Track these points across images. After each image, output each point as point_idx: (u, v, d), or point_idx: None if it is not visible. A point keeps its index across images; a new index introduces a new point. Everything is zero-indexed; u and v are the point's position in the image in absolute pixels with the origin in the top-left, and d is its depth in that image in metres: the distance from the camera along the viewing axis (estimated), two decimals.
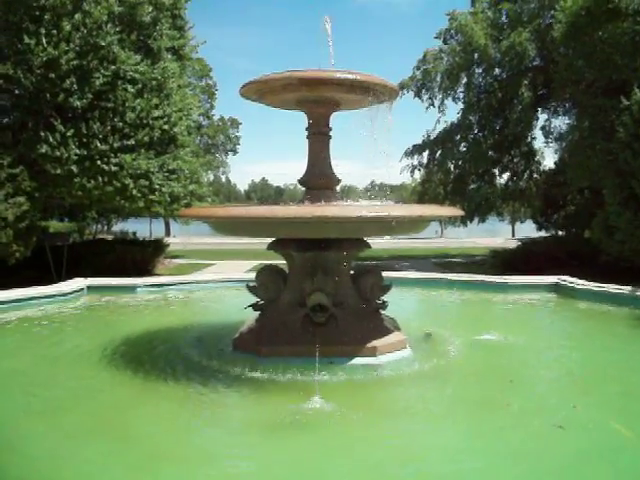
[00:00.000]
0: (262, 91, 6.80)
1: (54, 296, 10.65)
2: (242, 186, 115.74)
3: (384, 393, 5.68)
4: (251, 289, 7.05)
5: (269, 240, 6.85)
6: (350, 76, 6.33)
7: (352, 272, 7.11)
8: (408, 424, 4.78)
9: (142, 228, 43.20)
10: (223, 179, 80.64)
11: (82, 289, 11.47)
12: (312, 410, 4.91)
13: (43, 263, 16.51)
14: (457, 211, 6.78)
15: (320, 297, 6.30)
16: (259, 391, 5.46)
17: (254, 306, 7.04)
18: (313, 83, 6.43)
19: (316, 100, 6.74)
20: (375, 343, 6.40)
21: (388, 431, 4.66)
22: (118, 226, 39.49)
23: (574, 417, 4.87)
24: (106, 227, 33.38)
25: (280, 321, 6.56)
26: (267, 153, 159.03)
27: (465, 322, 8.85)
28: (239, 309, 7.19)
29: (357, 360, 6.23)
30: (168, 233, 46.94)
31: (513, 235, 45.87)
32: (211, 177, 54.25)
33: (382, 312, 7.06)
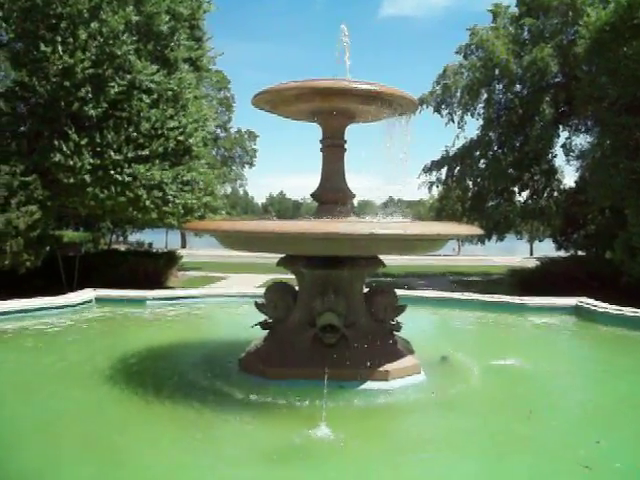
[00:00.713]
0: (274, 101, 6.56)
1: (61, 307, 10.42)
2: (259, 199, 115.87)
3: (395, 422, 5.35)
4: (259, 307, 6.77)
5: (280, 255, 6.59)
6: (365, 86, 6.06)
7: (365, 291, 6.81)
8: (420, 458, 4.45)
9: (158, 239, 43.22)
10: (241, 192, 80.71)
11: (90, 300, 11.25)
12: (318, 440, 4.61)
13: (55, 273, 16.39)
14: (475, 229, 6.48)
15: (331, 317, 6.01)
16: (263, 417, 5.16)
17: (262, 324, 6.76)
18: (327, 93, 6.17)
19: (330, 111, 6.46)
20: (387, 367, 6.08)
21: (398, 465, 4.34)
22: (134, 236, 39.52)
23: (599, 455, 4.53)
24: (121, 237, 33.33)
25: (288, 341, 6.27)
26: (285, 166, 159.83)
27: (482, 345, 8.51)
28: (248, 326, 6.89)
29: (368, 385, 5.92)
30: (184, 245, 46.89)
31: (531, 254, 45.32)
32: (228, 190, 54.29)
33: (396, 334, 6.75)
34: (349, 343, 6.09)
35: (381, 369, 6.04)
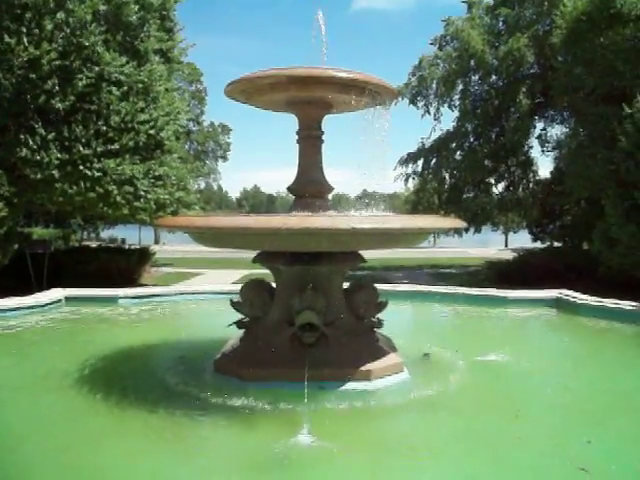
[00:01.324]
0: (248, 91, 6.26)
1: (29, 307, 10.04)
2: (234, 194, 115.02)
3: (379, 424, 5.09)
4: (235, 305, 6.48)
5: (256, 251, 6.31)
6: (343, 74, 5.79)
7: (344, 287, 6.56)
8: (406, 464, 4.21)
9: (132, 235, 42.65)
10: (215, 187, 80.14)
11: (59, 300, 10.86)
12: (299, 446, 4.36)
13: (24, 272, 15.92)
14: (459, 222, 6.25)
15: (309, 315, 5.75)
16: (240, 422, 4.88)
17: (238, 323, 6.48)
18: (303, 81, 5.88)
19: (307, 101, 6.18)
20: (369, 366, 5.84)
21: (383, 472, 4.10)
22: (107, 232, 38.91)
23: (592, 455, 4.33)
24: (93, 234, 32.74)
25: (266, 341, 5.99)
26: (259, 160, 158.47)
27: (465, 340, 8.29)
28: (224, 325, 6.60)
29: (350, 385, 5.67)
30: (157, 240, 46.31)
31: (506, 245, 45.51)
32: (202, 184, 53.74)
33: (377, 331, 6.51)
34: (329, 342, 5.85)
35: (363, 368, 5.80)
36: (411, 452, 4.38)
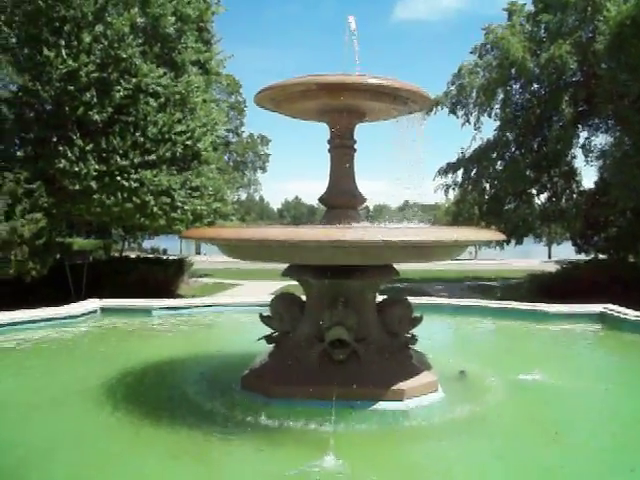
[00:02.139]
0: (278, 99, 6.09)
1: (64, 318, 10.05)
2: (275, 205, 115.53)
3: (410, 448, 4.85)
4: (264, 319, 6.31)
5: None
6: (376, 81, 5.59)
7: (377, 302, 6.33)
8: None
9: (174, 245, 43.02)
10: (256, 198, 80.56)
11: (95, 311, 10.86)
12: (324, 471, 4.14)
13: (63, 282, 16.07)
14: (498, 235, 5.98)
15: (340, 331, 5.54)
16: (265, 443, 4.69)
17: (267, 338, 6.30)
18: (335, 89, 5.70)
19: (338, 109, 6.00)
20: (402, 385, 5.60)
21: None
22: (149, 243, 39.30)
23: None
24: (135, 244, 33.04)
25: (295, 357, 5.80)
26: (301, 171, 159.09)
27: (503, 358, 7.98)
28: (255, 338, 6.42)
29: (381, 405, 5.43)
30: (199, 251, 46.58)
31: (549, 257, 44.56)
32: (243, 195, 54.01)
33: (411, 347, 6.27)
34: (360, 359, 5.63)
35: (395, 387, 5.55)
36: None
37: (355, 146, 6.41)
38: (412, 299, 6.58)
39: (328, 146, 6.39)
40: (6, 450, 4.71)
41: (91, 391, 6.04)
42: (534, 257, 44.15)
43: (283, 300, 6.33)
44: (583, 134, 23.82)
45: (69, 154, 12.90)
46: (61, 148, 12.97)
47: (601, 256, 21.77)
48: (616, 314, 10.21)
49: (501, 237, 6.05)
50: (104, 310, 10.95)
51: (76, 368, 7.26)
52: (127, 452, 4.66)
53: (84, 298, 12.44)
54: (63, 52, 12.71)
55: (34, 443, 4.80)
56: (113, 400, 5.77)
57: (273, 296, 6.54)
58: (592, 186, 23.27)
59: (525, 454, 4.64)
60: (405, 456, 4.68)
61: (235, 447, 4.70)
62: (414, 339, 6.23)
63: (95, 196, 13.33)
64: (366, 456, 4.50)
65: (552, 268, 21.53)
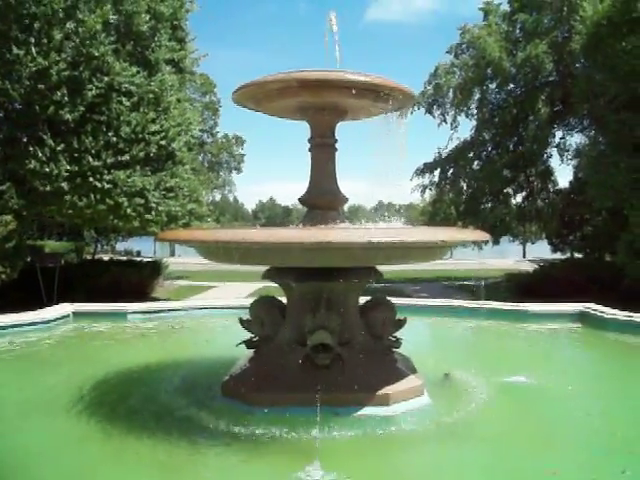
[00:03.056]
0: (257, 97, 5.90)
1: (35, 324, 9.74)
2: (250, 206, 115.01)
3: (397, 456, 4.68)
4: (244, 323, 6.11)
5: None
6: (357, 77, 5.42)
7: (360, 305, 6.16)
8: None
9: (148, 247, 42.44)
10: (230, 198, 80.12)
11: (67, 315, 10.58)
12: None
13: (34, 286, 15.68)
14: (483, 235, 5.83)
15: (323, 336, 5.36)
16: (246, 452, 4.50)
17: (248, 343, 6.10)
18: (315, 86, 5.51)
19: (319, 106, 5.82)
20: (387, 389, 5.44)
21: None
22: (123, 245, 38.74)
23: None
24: (108, 246, 32.53)
25: (277, 363, 5.61)
26: (276, 172, 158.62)
27: (486, 359, 7.85)
28: (234, 342, 6.21)
29: (366, 410, 5.26)
30: (173, 253, 46.07)
31: (524, 256, 44.79)
32: (217, 196, 53.63)
33: (395, 350, 6.11)
34: (344, 364, 5.45)
35: (380, 392, 5.39)
36: None
37: (336, 145, 6.24)
38: (392, 300, 6.42)
39: (308, 145, 6.22)
40: None
41: (60, 401, 5.79)
42: (509, 256, 44.26)
43: (263, 304, 6.14)
44: (558, 134, 23.97)
45: (39, 154, 12.53)
46: (31, 148, 12.60)
47: (577, 255, 21.87)
48: (598, 313, 10.18)
49: (486, 237, 5.92)
50: (76, 314, 10.68)
51: (45, 376, 6.98)
52: (102, 461, 4.48)
53: (56, 302, 12.14)
54: (33, 50, 12.33)
55: (3, 455, 4.57)
56: (87, 409, 5.55)
57: (253, 299, 6.34)
58: (567, 185, 23.39)
59: (514, 460, 4.52)
60: (392, 465, 4.50)
61: (215, 456, 4.52)
62: (398, 342, 6.08)
63: (67, 197, 12.96)
64: (352, 465, 4.34)
65: (527, 267, 21.59)
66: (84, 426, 5.17)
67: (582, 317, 10.42)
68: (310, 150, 6.22)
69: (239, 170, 45.42)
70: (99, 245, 28.48)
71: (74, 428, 5.15)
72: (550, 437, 4.96)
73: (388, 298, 6.33)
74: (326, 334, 5.36)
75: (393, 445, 4.80)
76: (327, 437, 4.74)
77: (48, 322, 9.91)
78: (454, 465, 4.45)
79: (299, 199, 6.28)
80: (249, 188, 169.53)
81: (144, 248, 42.19)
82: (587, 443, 5.03)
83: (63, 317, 10.41)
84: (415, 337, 7.54)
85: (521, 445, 4.79)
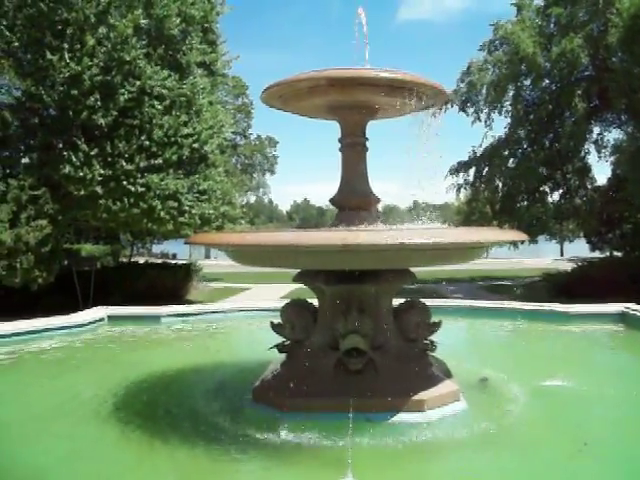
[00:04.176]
0: (286, 96, 5.81)
1: (70, 327, 9.79)
2: (284, 207, 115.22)
3: (433, 464, 4.55)
4: (275, 327, 6.01)
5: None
6: (389, 75, 5.29)
7: (393, 307, 6.02)
8: None
9: (184, 249, 42.76)
10: (265, 200, 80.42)
11: (102, 319, 10.60)
12: None
13: (71, 289, 15.85)
14: (519, 235, 5.66)
15: (355, 340, 5.24)
16: (276, 462, 4.40)
17: (279, 347, 6.01)
18: (345, 84, 5.40)
19: (349, 105, 5.70)
20: (422, 395, 5.29)
21: None
22: (160, 247, 39.11)
23: None
24: (144, 249, 32.81)
25: (308, 367, 5.49)
26: (310, 173, 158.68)
27: (524, 362, 7.64)
28: (266, 346, 6.12)
29: (400, 417, 5.11)
30: (208, 255, 46.37)
31: (562, 255, 44.12)
32: (252, 198, 53.83)
33: (430, 354, 5.95)
34: (377, 368, 5.32)
35: (415, 398, 5.24)
36: None
37: (367, 144, 6.11)
38: (426, 301, 6.27)
39: (339, 145, 6.10)
40: (15, 455, 4.59)
41: (90, 405, 5.78)
42: (546, 255, 43.63)
43: (294, 307, 6.03)
44: (596, 129, 23.44)
45: (74, 159, 12.67)
46: (65, 153, 12.74)
47: (616, 253, 21.37)
48: (638, 314, 9.87)
49: (523, 237, 5.75)
50: (111, 318, 10.69)
51: (79, 381, 6.98)
52: (132, 468, 4.44)
53: (92, 305, 12.22)
54: (66, 55, 12.48)
55: (35, 459, 4.55)
56: (118, 415, 5.51)
57: (284, 303, 6.24)
58: (605, 182, 22.87)
59: (556, 468, 4.34)
60: (427, 473, 4.37)
61: (242, 467, 4.44)
62: (433, 345, 5.92)
63: (101, 201, 13.11)
64: (386, 475, 4.20)
65: (565, 266, 21.17)
66: (112, 431, 5.13)
67: (623, 318, 10.12)
68: (340, 150, 6.11)
69: (272, 172, 45.58)
70: (135, 248, 28.72)
71: (102, 433, 5.12)
72: (588, 444, 4.76)
73: (422, 300, 6.18)
74: (359, 338, 5.24)
75: (429, 453, 4.65)
76: (360, 445, 4.61)
77: (82, 326, 9.94)
78: (492, 474, 4.28)
79: (330, 200, 6.17)
80: (285, 189, 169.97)
81: (180, 251, 42.51)
82: (628, 450, 4.82)
83: (97, 321, 10.42)
84: (450, 340, 7.38)
85: (559, 452, 4.60)
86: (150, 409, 5.68)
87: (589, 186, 23.41)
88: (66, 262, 16.82)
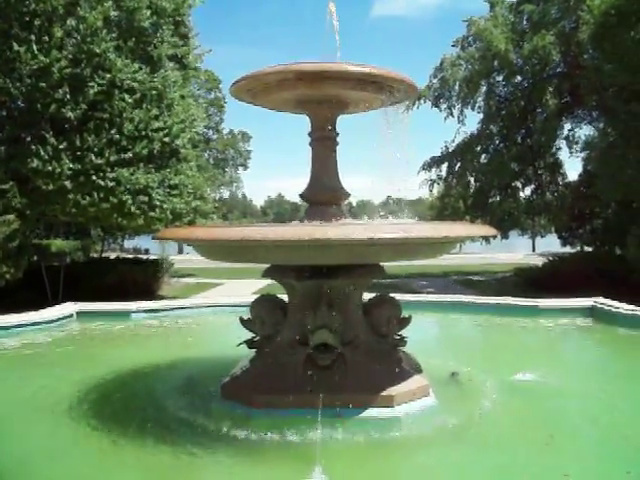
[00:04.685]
0: (255, 90, 5.73)
1: (38, 324, 9.64)
2: (258, 202, 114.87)
3: (402, 460, 4.53)
4: (245, 323, 5.96)
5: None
6: (359, 69, 5.25)
7: (363, 302, 6.00)
8: None
9: (156, 244, 42.33)
10: (239, 195, 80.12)
11: (71, 315, 10.46)
12: None
13: (40, 285, 15.62)
14: (490, 230, 5.67)
15: (325, 335, 5.20)
16: (246, 457, 4.37)
17: (249, 343, 5.95)
18: (313, 78, 5.33)
19: (318, 99, 5.65)
20: (392, 390, 5.26)
21: None
22: (132, 242, 38.70)
23: None
24: (115, 245, 32.47)
25: (278, 363, 5.45)
26: (284, 167, 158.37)
27: (495, 356, 7.70)
28: (237, 341, 6.05)
29: (370, 412, 5.08)
30: (181, 250, 46.01)
31: (534, 250, 44.52)
32: (226, 193, 53.57)
33: (400, 349, 5.94)
34: (347, 364, 5.29)
35: (384, 393, 5.22)
36: None
37: (337, 139, 6.07)
38: (397, 296, 6.26)
39: (309, 139, 6.06)
40: None
41: (61, 403, 5.67)
42: (518, 250, 44.00)
43: (264, 303, 5.98)
44: (567, 126, 23.68)
45: (42, 153, 12.44)
46: (34, 147, 12.50)
47: (587, 248, 21.62)
48: (607, 308, 9.99)
49: (493, 232, 5.75)
50: (80, 314, 10.56)
51: (47, 378, 6.83)
52: (98, 466, 4.38)
53: (62, 301, 12.04)
54: (34, 47, 12.24)
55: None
56: (85, 412, 5.43)
57: (254, 298, 6.19)
58: (577, 178, 23.13)
59: (524, 463, 4.35)
60: (396, 470, 4.36)
61: (212, 462, 4.38)
62: (403, 341, 5.90)
63: (70, 196, 12.88)
64: (354, 470, 4.20)
65: (537, 261, 21.37)
66: (82, 429, 5.05)
67: (593, 312, 10.22)
68: (310, 145, 6.06)
69: (245, 166, 45.35)
70: (107, 244, 28.42)
71: (72, 431, 5.04)
72: (557, 438, 4.78)
73: (392, 295, 6.17)
74: (328, 333, 5.21)
75: (397, 449, 4.65)
76: (329, 440, 4.60)
77: (51, 322, 9.81)
78: (458, 469, 4.29)
79: (300, 195, 6.14)
80: (259, 184, 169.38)
81: (152, 245, 42.12)
82: (594, 444, 4.89)
83: (66, 317, 10.29)
84: (421, 335, 7.40)
85: (528, 447, 4.63)
86: (118, 405, 5.62)
87: (560, 182, 23.65)
88: (35, 257, 16.57)
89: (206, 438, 4.71)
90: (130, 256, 24.63)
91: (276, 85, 5.53)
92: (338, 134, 6.05)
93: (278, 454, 4.44)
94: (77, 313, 10.58)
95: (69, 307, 10.69)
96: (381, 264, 5.81)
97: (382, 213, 6.58)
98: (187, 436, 4.74)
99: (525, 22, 22.40)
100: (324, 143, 5.96)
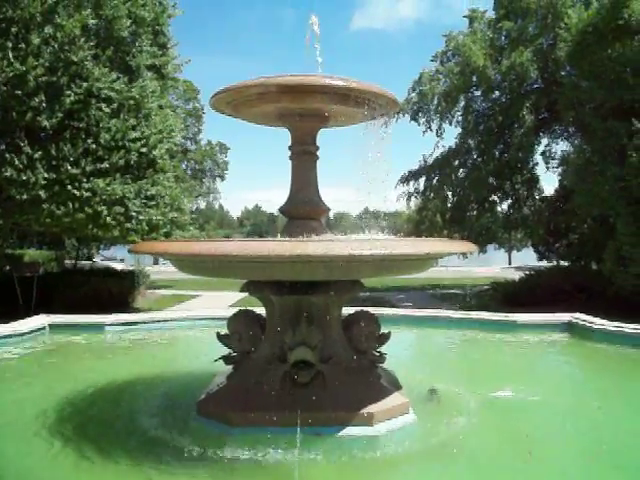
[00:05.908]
0: (235, 102, 5.66)
1: (8, 337, 9.41)
2: (235, 213, 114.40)
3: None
4: (222, 338, 5.85)
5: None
6: (340, 82, 5.21)
7: (342, 318, 5.92)
8: None
9: (131, 255, 41.89)
10: (216, 206, 79.72)
11: (43, 327, 10.23)
12: None
13: (12, 296, 15.34)
14: (470, 246, 5.63)
15: (304, 352, 5.13)
16: (220, 479, 4.25)
17: (226, 359, 5.84)
18: (295, 91, 5.29)
19: (299, 112, 5.59)
20: (371, 408, 5.19)
21: None
22: (107, 253, 38.19)
23: None
24: (99, 254, 32.06)
25: (255, 380, 5.35)
26: (262, 179, 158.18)
27: (473, 373, 7.65)
28: (214, 356, 5.93)
29: (349, 430, 5.01)
30: (156, 261, 45.61)
31: (510, 263, 44.84)
32: (202, 204, 53.24)
33: (379, 366, 5.87)
34: (326, 381, 5.21)
35: (364, 411, 5.14)
36: None
37: (318, 152, 6.01)
38: (374, 310, 6.20)
39: (289, 153, 5.99)
40: None
41: (32, 419, 5.51)
42: (494, 263, 44.28)
43: (242, 318, 5.88)
44: (544, 141, 23.85)
45: (16, 162, 12.21)
46: (8, 156, 12.28)
47: (563, 263, 21.78)
48: (586, 324, 10.00)
49: (473, 248, 5.72)
50: (53, 327, 10.33)
51: (14, 393, 6.68)
52: None
53: (34, 313, 11.79)
54: (10, 55, 12.03)
55: None
56: (56, 431, 5.25)
57: (232, 313, 6.09)
58: (553, 193, 23.30)
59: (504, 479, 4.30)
60: None
61: None
62: (382, 357, 5.84)
63: (44, 206, 12.65)
64: None
65: (513, 275, 21.46)
66: (54, 447, 4.89)
67: (570, 327, 10.23)
68: (290, 158, 6.00)
69: (223, 177, 45.12)
70: (81, 253, 28.03)
71: (41, 450, 4.87)
72: (537, 454, 4.74)
73: (371, 311, 6.11)
74: (307, 350, 5.14)
75: (376, 468, 4.57)
76: (308, 460, 4.50)
77: (22, 335, 9.57)
78: None
79: (279, 209, 6.05)
80: (236, 195, 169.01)
81: (128, 256, 41.71)
82: (574, 460, 4.88)
83: (38, 329, 10.07)
84: (400, 350, 7.34)
85: (508, 464, 4.60)
86: (91, 422, 5.46)
87: (537, 197, 23.79)
88: (7, 268, 16.30)
89: (181, 457, 4.59)
90: (106, 265, 24.30)
91: (257, 98, 5.47)
92: (318, 148, 5.99)
93: (255, 474, 4.34)
94: (50, 325, 10.35)
95: (41, 319, 10.47)
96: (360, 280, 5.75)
97: (362, 226, 6.53)
98: (162, 456, 4.62)
99: (504, 38, 22.57)
100: (304, 157, 5.91)
